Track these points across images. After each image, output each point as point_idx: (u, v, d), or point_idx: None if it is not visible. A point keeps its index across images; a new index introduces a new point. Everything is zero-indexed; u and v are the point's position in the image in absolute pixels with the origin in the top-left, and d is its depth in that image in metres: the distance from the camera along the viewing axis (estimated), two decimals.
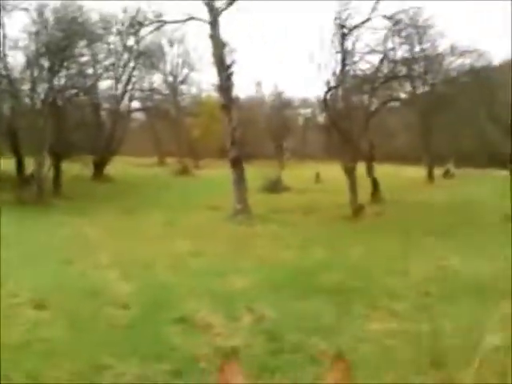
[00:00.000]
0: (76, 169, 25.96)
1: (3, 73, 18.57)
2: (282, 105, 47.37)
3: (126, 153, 39.99)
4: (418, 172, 31.79)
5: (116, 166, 31.02)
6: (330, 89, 16.33)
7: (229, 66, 15.89)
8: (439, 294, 7.20)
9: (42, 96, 20.23)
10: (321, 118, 55.96)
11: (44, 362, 4.63)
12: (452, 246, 11.04)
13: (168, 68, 41.82)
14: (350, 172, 16.81)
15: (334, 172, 32.50)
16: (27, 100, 19.61)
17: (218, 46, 15.92)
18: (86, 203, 19.64)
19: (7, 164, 23.32)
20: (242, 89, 52.24)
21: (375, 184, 20.79)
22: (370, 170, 20.97)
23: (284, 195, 24.05)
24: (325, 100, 16.81)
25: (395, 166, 34.14)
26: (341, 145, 17.97)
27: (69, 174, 24.68)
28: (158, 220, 15.44)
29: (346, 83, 16.88)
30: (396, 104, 29.88)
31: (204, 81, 57.19)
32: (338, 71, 16.21)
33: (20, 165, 22.16)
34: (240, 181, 15.75)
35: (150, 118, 42.21)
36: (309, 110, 48.95)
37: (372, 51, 17.26)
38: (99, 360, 4.77)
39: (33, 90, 19.18)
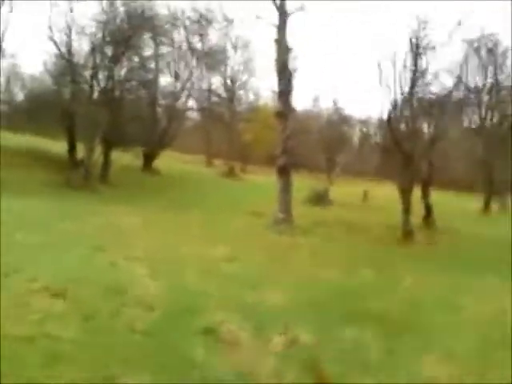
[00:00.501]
0: (126, 159, 26.07)
1: (66, 57, 18.60)
2: (340, 120, 46.35)
3: (176, 149, 40.07)
4: (473, 202, 30.05)
5: (165, 161, 30.95)
6: (395, 107, 15.36)
7: (291, 73, 15.23)
8: (498, 339, 6.19)
9: (102, 84, 20.26)
10: (377, 138, 54.64)
11: (45, 368, 4.00)
12: None
13: (228, 72, 41.65)
14: (405, 193, 15.73)
15: (382, 192, 31.40)
16: (86, 87, 19.58)
17: (283, 51, 15.28)
18: (130, 192, 19.46)
19: (60, 147, 23.55)
20: (299, 101, 51.41)
21: (428, 209, 19.54)
22: (425, 194, 19.73)
23: (329, 209, 23.10)
24: (389, 119, 15.82)
25: (450, 194, 32.45)
26: (399, 166, 16.97)
27: (119, 162, 24.77)
28: (199, 219, 14.91)
29: (414, 104, 15.87)
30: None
31: (262, 88, 56.95)
32: (406, 91, 15.25)
33: (72, 149, 22.25)
34: (286, 190, 15.00)
35: (204, 119, 42.11)
36: (366, 129, 47.82)
37: (447, 73, 16.16)
38: (108, 370, 4.12)
39: (93, 77, 19.13)
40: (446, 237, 17.22)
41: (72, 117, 20.99)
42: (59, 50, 18.77)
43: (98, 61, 19.09)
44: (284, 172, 15.05)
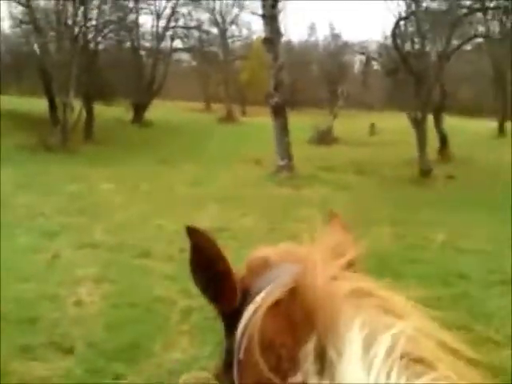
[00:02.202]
0: (116, 112, 23.83)
1: (22, 1, 15.99)
2: (338, 48, 42.96)
3: (173, 97, 37.52)
4: (486, 126, 27.59)
5: (158, 111, 28.52)
6: (400, 19, 12.80)
7: None
8: None
9: (71, 30, 17.71)
10: (377, 66, 51.29)
11: None
12: None
13: (217, 7, 38.15)
14: (418, 124, 13.52)
15: (391, 124, 28.97)
16: (53, 34, 17.06)
17: None
18: (115, 150, 17.38)
19: (44, 107, 21.33)
20: (294, 32, 47.63)
21: (444, 139, 17.33)
22: (438, 123, 17.44)
23: (335, 148, 20.95)
24: (394, 35, 13.32)
25: (461, 119, 29.90)
26: (409, 92, 14.64)
27: (107, 117, 22.58)
28: (190, 175, 12.95)
29: (420, 16, 13.26)
30: (466, 47, 25.41)
31: (256, 22, 53.12)
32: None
33: (53, 108, 20.03)
34: (283, 132, 12.85)
35: (196, 60, 39.12)
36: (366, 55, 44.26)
37: None
38: None
39: (59, 23, 16.56)
40: (464, 169, 15.12)
41: (45, 71, 18.61)
42: None
43: (60, 5, 16.39)
44: (279, 111, 12.83)
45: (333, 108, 30.78)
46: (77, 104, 19.90)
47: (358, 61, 48.22)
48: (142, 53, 26.73)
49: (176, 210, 8.84)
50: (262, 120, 31.71)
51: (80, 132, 19.64)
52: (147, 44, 27.59)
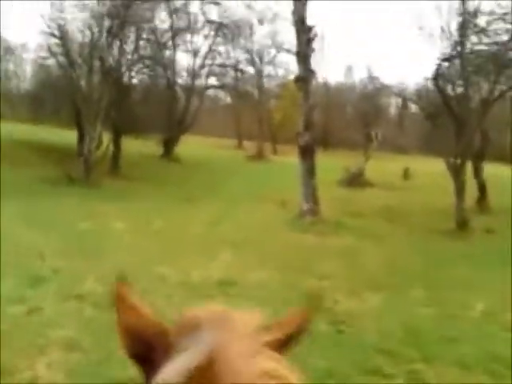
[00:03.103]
0: (146, 147, 23.58)
1: (57, 34, 16.03)
2: (375, 90, 42.33)
3: (202, 132, 37.48)
4: None
5: (189, 146, 28.24)
6: (443, 60, 11.98)
7: (310, 28, 12.10)
8: None
9: (104, 63, 17.64)
10: (415, 109, 50.33)
11: None
12: None
13: (255, 46, 38.29)
14: (457, 171, 12.48)
15: (426, 169, 27.77)
16: (85, 68, 17.00)
17: (301, 3, 12.16)
18: (139, 185, 16.91)
19: (72, 138, 21.28)
20: (331, 73, 47.52)
21: (483, 189, 16.12)
22: (478, 171, 16.29)
23: (366, 192, 19.93)
24: (436, 77, 12.47)
25: (500, 165, 28.40)
26: (448, 136, 13.69)
27: (136, 152, 22.35)
28: (209, 214, 12.22)
29: (465, 58, 12.39)
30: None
31: (292, 62, 53.25)
32: (455, 39, 11.84)
33: (82, 139, 19.91)
34: (309, 174, 12.04)
35: (231, 98, 39.14)
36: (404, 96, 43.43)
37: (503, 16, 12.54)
38: None
39: (91, 54, 16.49)
40: (503, 221, 13.85)
41: (75, 102, 18.56)
42: (48, 26, 16.20)
43: (95, 35, 16.35)
44: (307, 151, 12.05)
45: (366, 150, 29.88)
46: (106, 138, 19.82)
47: (394, 103, 47.44)
48: (177, 89, 26.64)
49: (185, 255, 8.07)
50: (292, 160, 31.17)
51: (106, 166, 19.40)
52: (182, 81, 27.58)
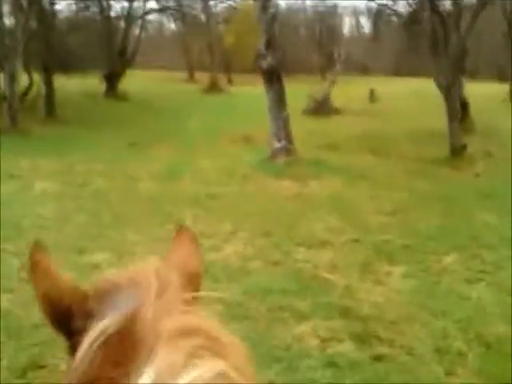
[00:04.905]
0: (82, 85, 20.34)
1: None
2: (327, 9, 39.25)
3: (150, 67, 33.82)
4: (493, 89, 24.46)
5: (135, 82, 24.92)
6: None
7: None
8: None
9: None
10: (367, 29, 47.65)
11: None
12: None
13: None
14: (448, 89, 10.50)
15: (392, 90, 25.81)
16: None
17: None
18: (79, 132, 14.10)
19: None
20: None
21: (465, 107, 14.28)
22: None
23: (333, 120, 17.85)
24: None
25: (478, 82, 26.43)
26: (423, 51, 11.57)
27: (72, 90, 19.16)
28: (163, 163, 9.85)
29: None
30: None
31: None
32: None
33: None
34: (279, 105, 9.75)
35: (177, 26, 35.14)
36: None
37: None
38: None
39: None
40: (493, 142, 12.16)
41: None
42: None
43: None
44: (273, 76, 9.66)
45: (330, 73, 27.34)
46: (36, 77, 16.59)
47: (347, 23, 44.61)
48: (112, 15, 22.79)
49: (132, 230, 5.84)
50: (250, 89, 28.38)
51: (40, 110, 16.35)
52: (117, 5, 23.67)
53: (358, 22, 54.86)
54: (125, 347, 0.55)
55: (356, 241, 5.20)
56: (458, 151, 10.04)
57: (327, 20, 39.95)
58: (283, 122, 9.70)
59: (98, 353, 0.56)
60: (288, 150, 9.64)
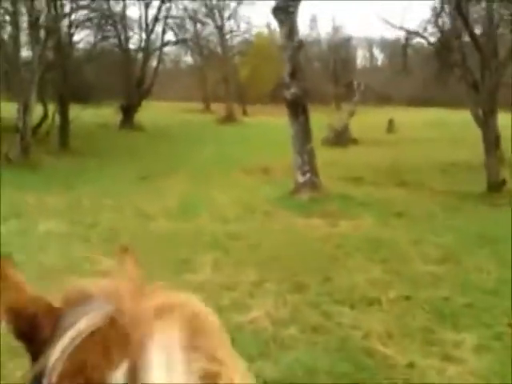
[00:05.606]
0: (98, 116, 19.94)
1: None
2: (342, 41, 39.04)
3: (170, 98, 33.66)
4: None
5: (152, 113, 24.53)
6: None
7: None
8: None
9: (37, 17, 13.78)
10: (383, 59, 47.39)
11: None
12: None
13: (214, 1, 33.87)
14: (485, 120, 9.75)
15: (409, 119, 25.13)
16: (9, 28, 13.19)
17: None
18: (91, 163, 13.49)
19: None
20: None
21: (496, 139, 13.41)
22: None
23: (351, 150, 17.09)
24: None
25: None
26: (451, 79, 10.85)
27: (87, 122, 18.72)
28: (175, 198, 9.10)
29: None
30: None
31: (254, 16, 49.00)
32: None
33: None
34: (304, 137, 9.02)
35: (194, 58, 35.06)
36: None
37: None
38: None
39: (13, 2, 12.68)
40: None
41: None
42: None
43: None
44: (298, 107, 8.95)
45: (339, 103, 26.69)
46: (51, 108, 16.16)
47: (361, 55, 44.49)
48: (130, 47, 22.59)
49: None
50: (265, 120, 27.88)
51: (53, 141, 15.89)
52: (135, 39, 23.53)
53: (371, 54, 54.99)
54: (112, 337, 0.54)
55: (407, 298, 4.32)
56: (496, 186, 9.17)
57: (341, 52, 39.76)
58: (308, 155, 8.94)
59: (82, 346, 0.55)
60: (313, 184, 8.85)
